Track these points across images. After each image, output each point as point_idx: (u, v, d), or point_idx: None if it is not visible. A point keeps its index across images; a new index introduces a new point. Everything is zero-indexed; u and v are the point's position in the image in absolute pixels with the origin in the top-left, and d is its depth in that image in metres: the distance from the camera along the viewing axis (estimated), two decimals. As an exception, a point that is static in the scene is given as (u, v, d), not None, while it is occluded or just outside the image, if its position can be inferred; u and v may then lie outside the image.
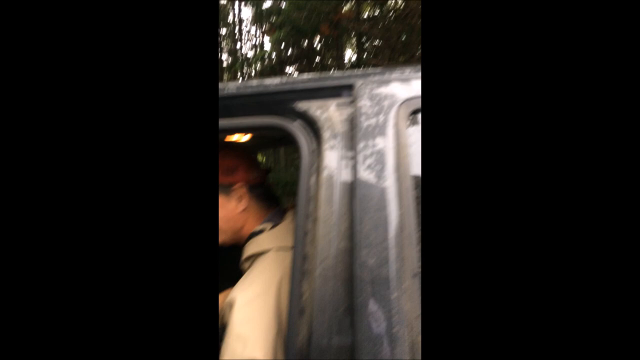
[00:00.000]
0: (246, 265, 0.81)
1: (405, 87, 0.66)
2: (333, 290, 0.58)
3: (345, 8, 4.35)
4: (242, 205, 0.84)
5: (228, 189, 0.83)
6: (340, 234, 0.60)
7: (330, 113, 0.66)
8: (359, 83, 0.67)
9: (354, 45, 7.28)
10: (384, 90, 0.66)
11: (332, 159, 0.63)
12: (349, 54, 7.59)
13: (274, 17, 4.02)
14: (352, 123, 0.64)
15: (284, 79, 0.70)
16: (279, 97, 0.69)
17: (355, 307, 0.56)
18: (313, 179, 0.64)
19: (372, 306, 0.56)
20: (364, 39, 6.08)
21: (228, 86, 0.72)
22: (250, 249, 0.80)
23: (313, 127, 0.67)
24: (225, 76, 10.76)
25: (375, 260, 0.57)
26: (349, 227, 0.60)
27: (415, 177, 0.62)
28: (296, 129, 0.68)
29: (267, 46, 9.50)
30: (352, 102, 0.66)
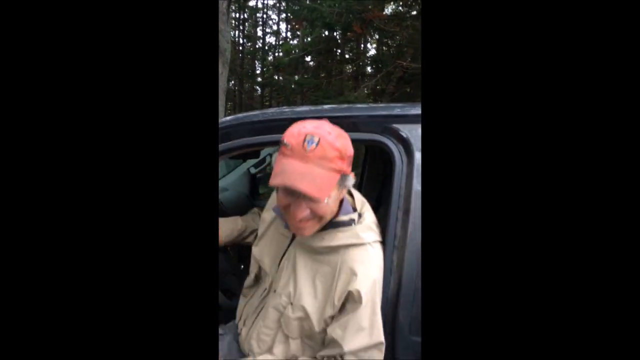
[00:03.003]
0: (337, 250, 0.84)
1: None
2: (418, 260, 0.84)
3: (371, 6, 4.52)
4: (344, 193, 0.86)
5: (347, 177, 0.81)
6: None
7: (418, 132, 0.91)
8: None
9: (374, 41, 7.46)
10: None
11: (419, 166, 0.88)
12: (370, 49, 7.76)
13: (306, 13, 4.22)
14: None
15: (382, 105, 0.95)
16: (378, 119, 0.94)
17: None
18: (404, 182, 0.89)
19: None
20: (386, 36, 6.25)
21: (339, 107, 0.97)
22: (343, 238, 0.84)
23: (403, 142, 0.92)
24: (245, 61, 10.94)
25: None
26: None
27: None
28: (389, 143, 0.93)
29: (289, 34, 9.68)
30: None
